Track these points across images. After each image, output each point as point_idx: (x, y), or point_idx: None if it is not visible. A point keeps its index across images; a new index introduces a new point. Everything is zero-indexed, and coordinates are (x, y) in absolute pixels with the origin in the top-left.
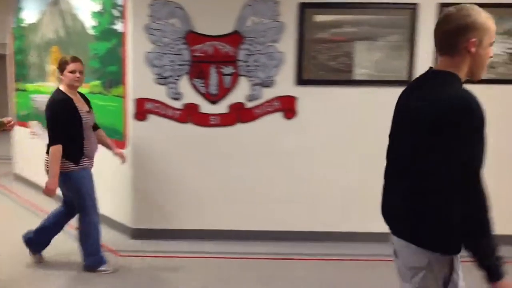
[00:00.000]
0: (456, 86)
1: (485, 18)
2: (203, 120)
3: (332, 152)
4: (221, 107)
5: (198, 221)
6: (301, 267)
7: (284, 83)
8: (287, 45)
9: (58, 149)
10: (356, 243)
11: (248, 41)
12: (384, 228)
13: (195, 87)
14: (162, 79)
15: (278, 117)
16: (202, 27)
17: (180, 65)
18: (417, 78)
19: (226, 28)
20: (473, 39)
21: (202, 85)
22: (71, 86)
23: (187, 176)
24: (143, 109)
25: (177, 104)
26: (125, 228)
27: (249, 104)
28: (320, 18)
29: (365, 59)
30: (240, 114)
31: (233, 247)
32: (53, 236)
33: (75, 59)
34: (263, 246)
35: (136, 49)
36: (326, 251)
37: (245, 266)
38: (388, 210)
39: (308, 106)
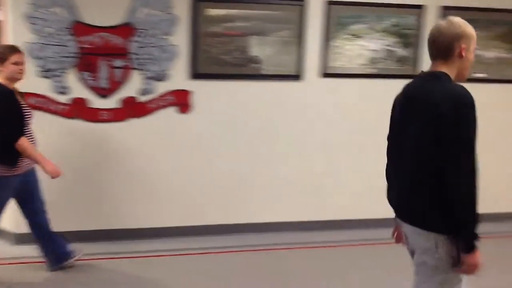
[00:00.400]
0: (453, 84)
1: (470, 28)
2: (92, 115)
3: (227, 145)
4: (112, 102)
5: (88, 222)
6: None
7: (178, 77)
8: (181, 38)
9: (23, 141)
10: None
11: (139, 33)
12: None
13: (83, 81)
14: (46, 72)
15: (172, 111)
16: (90, 18)
17: (66, 57)
18: (412, 81)
19: (116, 19)
20: (464, 46)
21: (91, 78)
22: (12, 79)
23: (78, 174)
24: None
25: (64, 99)
26: (6, 234)
27: (142, 99)
28: (213, 12)
29: (258, 54)
30: (133, 109)
31: (130, 247)
32: (59, 242)
33: (18, 49)
34: (161, 243)
35: (16, 39)
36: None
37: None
38: (398, 197)
39: (203, 100)
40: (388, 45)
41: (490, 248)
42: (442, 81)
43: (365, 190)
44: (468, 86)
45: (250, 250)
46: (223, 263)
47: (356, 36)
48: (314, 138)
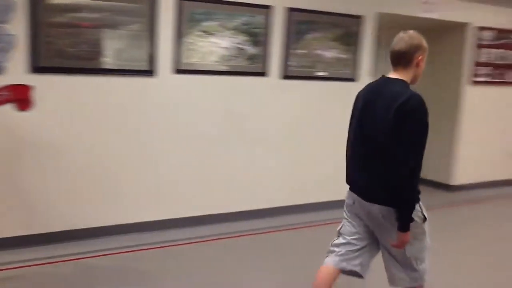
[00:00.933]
0: (410, 90)
1: (425, 41)
2: None
3: (80, 143)
4: None
5: None
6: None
7: (16, 70)
8: (19, 27)
9: None
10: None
11: None
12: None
13: None
14: None
15: (9, 109)
16: None
17: None
18: (375, 82)
19: None
20: (420, 57)
21: None
22: None
23: None
24: None
25: None
26: None
27: None
28: (56, 0)
29: (107, 47)
30: None
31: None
32: None
33: None
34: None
35: None
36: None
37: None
38: (364, 182)
39: (46, 96)
40: (238, 43)
41: (312, 235)
42: (403, 86)
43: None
44: (311, 83)
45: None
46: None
47: (208, 33)
48: (168, 134)
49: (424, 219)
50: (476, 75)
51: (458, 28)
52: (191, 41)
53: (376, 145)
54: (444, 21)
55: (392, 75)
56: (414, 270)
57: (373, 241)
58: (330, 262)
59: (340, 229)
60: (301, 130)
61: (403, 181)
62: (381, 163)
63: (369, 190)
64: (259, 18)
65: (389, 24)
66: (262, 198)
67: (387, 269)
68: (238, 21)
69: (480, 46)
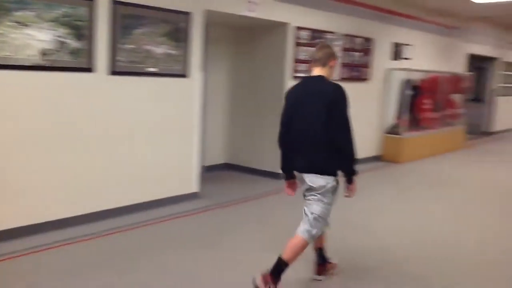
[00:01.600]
0: (331, 81)
1: (334, 50)
2: None
3: None
4: None
5: None
6: None
7: None
8: None
9: None
10: None
11: None
12: None
13: None
14: None
15: None
16: None
17: None
18: (305, 79)
19: None
20: (333, 61)
21: None
22: None
23: None
24: None
25: None
26: None
27: None
28: None
29: None
30: None
31: None
32: None
33: None
34: None
35: None
36: None
37: None
38: (305, 160)
39: None
40: (59, 36)
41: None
42: (326, 80)
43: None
44: (142, 79)
45: None
46: None
47: (23, 24)
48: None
49: (334, 189)
50: (296, 71)
51: (279, 27)
52: (1, 32)
53: (315, 125)
54: (266, 20)
55: (315, 73)
56: (311, 221)
57: None
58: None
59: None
60: (133, 126)
61: (347, 147)
62: (318, 140)
63: (311, 163)
64: (81, 10)
65: (217, 21)
66: (92, 200)
67: (300, 225)
68: (57, 12)
69: (299, 44)
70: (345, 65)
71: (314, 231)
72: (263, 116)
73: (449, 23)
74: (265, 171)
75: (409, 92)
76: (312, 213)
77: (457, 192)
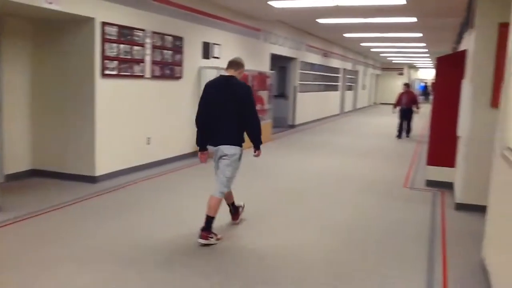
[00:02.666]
0: (243, 82)
1: (243, 61)
2: None
3: None
4: None
5: None
6: None
7: None
8: None
9: None
10: None
11: None
12: None
13: None
14: None
15: None
16: None
17: None
18: (219, 78)
19: None
20: (241, 69)
21: None
22: None
23: None
24: None
25: None
26: None
27: None
28: None
29: None
30: None
31: None
32: None
33: None
34: None
35: None
36: None
37: None
38: (220, 136)
39: None
40: None
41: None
42: (236, 79)
43: None
44: None
45: None
46: None
47: None
48: None
49: (239, 156)
50: (106, 68)
51: (85, 22)
52: None
53: (228, 112)
54: (69, 14)
55: (228, 73)
56: (224, 182)
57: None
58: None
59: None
60: None
61: (257, 127)
62: (231, 123)
63: (223, 139)
64: None
65: (12, 13)
66: None
67: (215, 185)
68: None
69: (107, 41)
70: (156, 63)
71: (225, 189)
72: (73, 116)
73: (254, 25)
74: (79, 175)
75: None
76: (225, 176)
77: (267, 180)
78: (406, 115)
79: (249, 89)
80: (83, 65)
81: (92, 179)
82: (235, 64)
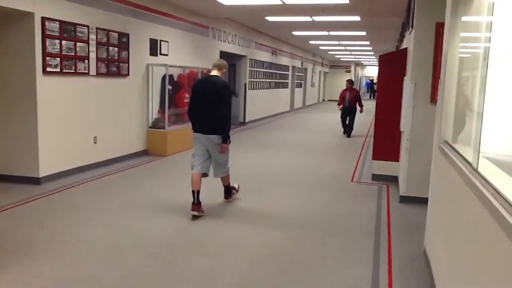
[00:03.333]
0: (223, 80)
1: (226, 63)
2: None
3: None
4: None
5: None
6: None
7: None
8: None
9: None
10: None
11: None
12: None
13: None
14: None
15: None
16: None
17: None
18: (205, 77)
19: None
20: (224, 69)
21: None
22: None
23: None
24: None
25: None
26: None
27: None
28: None
29: None
30: None
31: None
32: None
33: None
34: None
35: None
36: None
37: None
38: (205, 126)
39: None
40: None
41: None
42: (220, 79)
43: None
44: None
45: None
46: None
47: None
48: None
49: (229, 142)
50: (48, 66)
51: (24, 17)
52: None
53: (211, 105)
54: (5, 7)
55: (213, 73)
56: (224, 167)
57: (209, 155)
58: (196, 170)
59: (193, 153)
60: None
61: (226, 121)
62: (213, 114)
63: (209, 128)
64: None
65: None
66: None
67: (213, 168)
68: None
69: (48, 37)
70: (101, 60)
71: (228, 171)
72: (14, 116)
73: (203, 22)
74: (23, 177)
75: (169, 87)
76: (223, 164)
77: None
78: (349, 113)
79: (228, 87)
80: (23, 62)
81: (36, 181)
82: (219, 64)
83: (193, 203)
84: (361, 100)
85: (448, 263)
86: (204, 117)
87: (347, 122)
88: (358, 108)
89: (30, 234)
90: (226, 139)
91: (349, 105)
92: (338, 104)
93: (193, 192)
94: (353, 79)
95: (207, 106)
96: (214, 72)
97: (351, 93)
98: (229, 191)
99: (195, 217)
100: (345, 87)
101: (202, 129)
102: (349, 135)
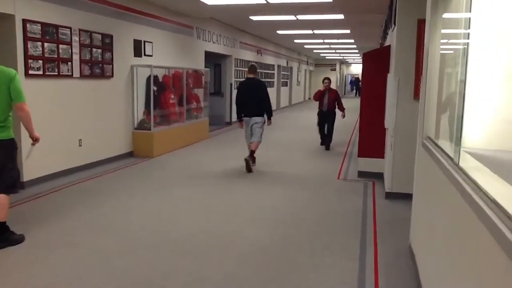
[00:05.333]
0: (260, 80)
1: (256, 65)
2: None
3: None
4: None
5: None
6: None
7: None
8: None
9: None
10: None
11: None
12: None
13: None
14: None
15: None
16: None
17: None
18: (247, 79)
19: None
20: (257, 71)
21: None
22: None
23: None
24: None
25: None
26: None
27: None
28: None
29: None
30: None
31: None
32: None
33: None
34: None
35: None
36: None
37: None
38: (251, 111)
39: None
40: None
41: None
42: (257, 79)
43: None
44: None
45: None
46: None
47: None
48: None
49: (264, 122)
50: (30, 68)
51: (4, 19)
52: None
53: (254, 98)
54: None
55: (251, 76)
56: (259, 137)
57: (251, 132)
58: (248, 141)
59: (245, 135)
60: None
61: (269, 106)
62: (256, 103)
63: (254, 112)
64: None
65: None
66: None
67: (253, 137)
68: None
69: (30, 39)
70: (85, 62)
71: (261, 140)
72: None
73: (187, 22)
74: None
75: (154, 88)
76: (259, 133)
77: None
78: (327, 120)
79: (264, 84)
80: (4, 65)
81: (20, 185)
82: (255, 68)
83: (249, 156)
84: (342, 102)
85: (431, 258)
86: (250, 106)
87: (325, 131)
88: (338, 112)
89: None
90: (270, 117)
91: (328, 109)
92: (319, 108)
93: (250, 151)
94: (338, 77)
95: (252, 99)
96: (252, 75)
97: (330, 94)
98: (253, 155)
99: (248, 164)
100: (321, 88)
101: (249, 113)
102: (328, 147)
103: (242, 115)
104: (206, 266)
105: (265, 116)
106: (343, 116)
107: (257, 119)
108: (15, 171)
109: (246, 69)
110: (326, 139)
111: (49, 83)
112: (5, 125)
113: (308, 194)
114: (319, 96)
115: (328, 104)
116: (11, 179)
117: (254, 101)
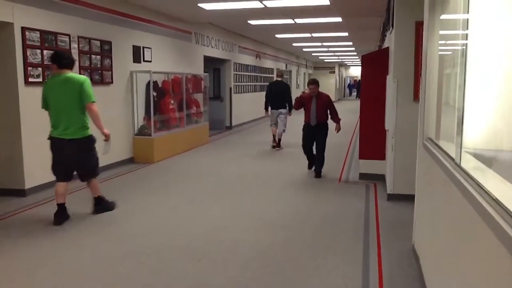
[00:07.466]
0: (285, 82)
1: (283, 70)
2: None
3: None
4: None
5: None
6: None
7: None
8: None
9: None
10: None
11: None
12: None
13: None
14: None
15: None
16: None
17: None
18: (276, 81)
19: None
20: (283, 75)
21: None
22: None
23: None
24: None
25: None
26: None
27: None
28: None
29: None
30: None
31: None
32: None
33: None
34: None
35: None
36: None
37: None
38: (277, 105)
39: None
40: None
41: None
42: (283, 82)
43: None
44: None
45: None
46: None
47: None
48: None
49: (287, 114)
50: (30, 76)
51: (3, 28)
52: None
53: (280, 96)
54: None
55: (277, 79)
56: (285, 126)
57: (276, 121)
58: (273, 127)
59: (271, 124)
60: None
61: (290, 101)
62: (281, 100)
63: (279, 106)
64: None
65: None
66: None
67: (279, 127)
68: None
69: (30, 47)
70: (84, 69)
71: (285, 129)
72: None
73: (186, 28)
74: (7, 189)
75: (154, 93)
76: (283, 123)
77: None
78: (316, 136)
79: (288, 86)
80: (4, 73)
81: (22, 193)
82: (281, 72)
83: (273, 141)
84: (336, 111)
85: (434, 258)
86: (276, 101)
87: (314, 150)
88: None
89: (18, 247)
90: (290, 110)
91: (317, 122)
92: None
93: (273, 136)
94: (337, 79)
95: (278, 96)
96: (279, 79)
97: (319, 101)
98: (280, 141)
99: (274, 147)
100: (305, 90)
101: (276, 106)
102: (318, 174)
103: (269, 107)
104: (209, 271)
105: (287, 108)
106: (338, 129)
107: (282, 111)
108: (94, 160)
109: (246, 73)
110: (315, 161)
111: None
112: (82, 125)
113: (309, 197)
114: (301, 104)
115: (317, 116)
116: (92, 167)
117: (280, 97)
